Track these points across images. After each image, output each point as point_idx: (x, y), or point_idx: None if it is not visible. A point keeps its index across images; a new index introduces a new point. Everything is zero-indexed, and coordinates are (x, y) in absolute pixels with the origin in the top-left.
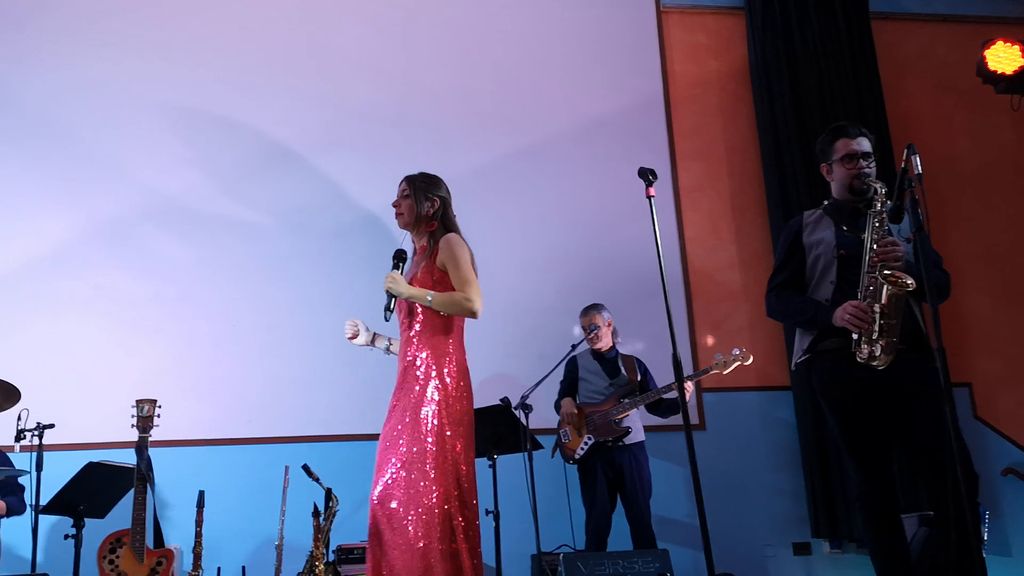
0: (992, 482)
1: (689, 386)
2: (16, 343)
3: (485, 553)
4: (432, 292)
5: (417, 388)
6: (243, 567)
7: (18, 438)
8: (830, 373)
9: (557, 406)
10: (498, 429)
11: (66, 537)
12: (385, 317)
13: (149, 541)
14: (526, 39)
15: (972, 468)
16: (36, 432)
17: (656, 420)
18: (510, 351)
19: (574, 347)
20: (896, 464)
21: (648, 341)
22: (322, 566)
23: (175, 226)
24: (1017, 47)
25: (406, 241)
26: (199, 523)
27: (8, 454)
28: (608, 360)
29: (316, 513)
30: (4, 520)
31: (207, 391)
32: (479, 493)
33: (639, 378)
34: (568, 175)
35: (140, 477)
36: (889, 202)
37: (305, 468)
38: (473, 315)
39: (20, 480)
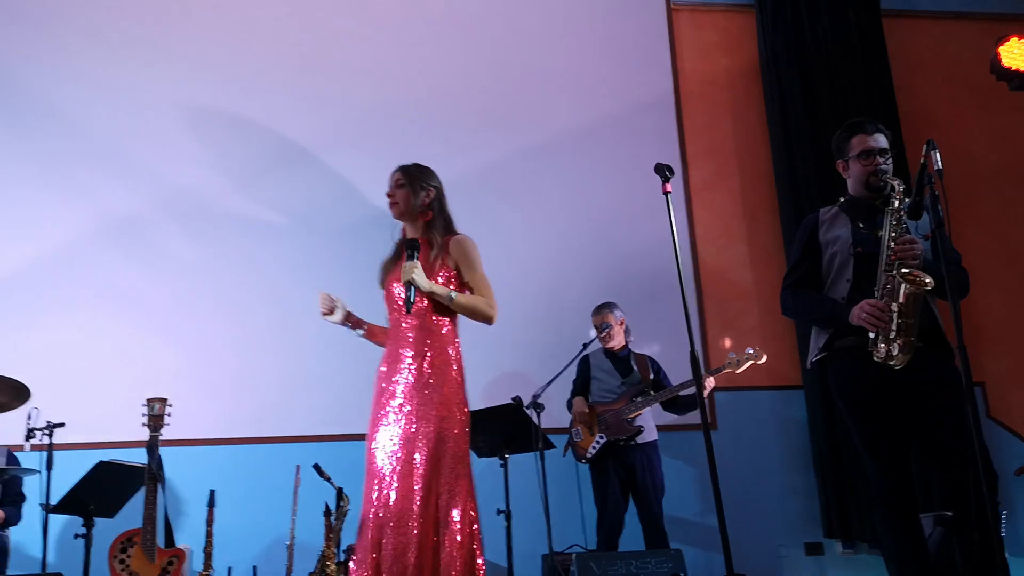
0: (1005, 481)
1: (711, 381)
2: (27, 341)
3: (497, 553)
4: (455, 291)
5: (426, 392)
6: (254, 567)
7: (28, 437)
8: (847, 372)
9: (569, 405)
10: (510, 428)
11: (76, 536)
12: (407, 310)
13: (160, 540)
14: (536, 37)
15: (992, 467)
16: (46, 431)
17: (668, 419)
18: (521, 350)
19: (585, 346)
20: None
21: (658, 340)
22: (333, 566)
23: (187, 224)
24: None
25: (396, 233)
26: (210, 522)
27: (17, 453)
28: (620, 359)
29: (328, 513)
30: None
31: (218, 390)
32: (491, 492)
33: (652, 377)
34: (578, 173)
35: (151, 476)
36: (907, 199)
37: (316, 468)
38: (491, 322)
39: (28, 479)
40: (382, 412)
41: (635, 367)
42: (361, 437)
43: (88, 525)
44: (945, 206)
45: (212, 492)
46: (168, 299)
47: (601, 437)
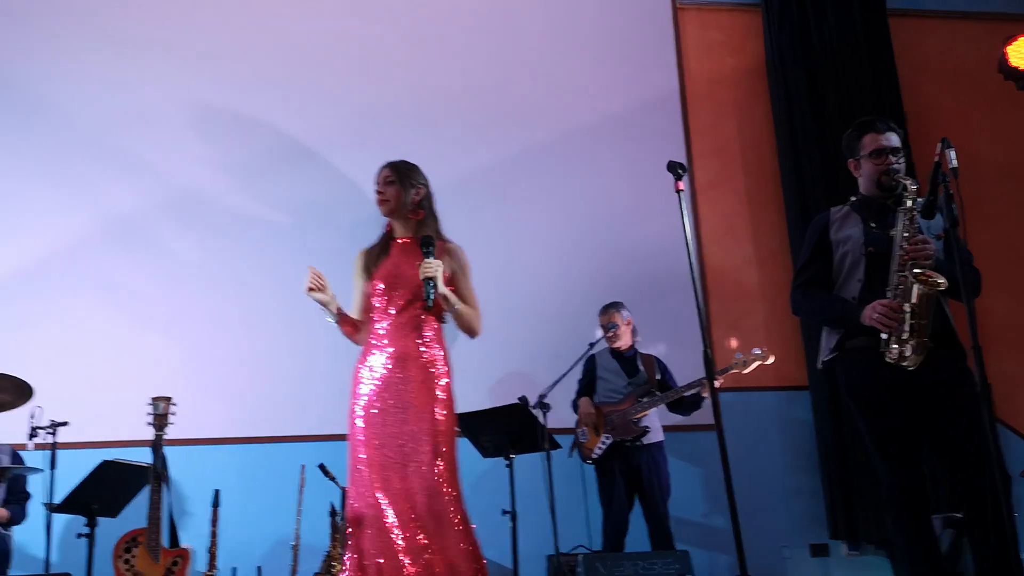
0: (1013, 483)
1: (719, 381)
2: (30, 339)
3: (502, 553)
4: (456, 298)
5: (427, 389)
6: (259, 567)
7: (32, 436)
8: (858, 372)
9: (574, 405)
10: (516, 428)
11: (79, 536)
12: (427, 307)
13: (164, 540)
14: (540, 36)
15: (1005, 469)
16: (50, 430)
17: (674, 420)
18: (527, 350)
19: (592, 345)
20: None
21: (664, 340)
22: (339, 567)
23: (191, 222)
24: None
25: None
26: (214, 522)
27: (21, 452)
28: (627, 359)
29: (333, 513)
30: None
31: (223, 389)
32: (495, 492)
33: (658, 377)
34: (584, 172)
35: (155, 476)
36: (920, 199)
37: (322, 467)
38: (475, 334)
39: (31, 478)
40: (372, 410)
41: (641, 367)
42: None
43: (92, 525)
44: (960, 205)
45: (217, 492)
46: (173, 297)
47: (607, 438)
